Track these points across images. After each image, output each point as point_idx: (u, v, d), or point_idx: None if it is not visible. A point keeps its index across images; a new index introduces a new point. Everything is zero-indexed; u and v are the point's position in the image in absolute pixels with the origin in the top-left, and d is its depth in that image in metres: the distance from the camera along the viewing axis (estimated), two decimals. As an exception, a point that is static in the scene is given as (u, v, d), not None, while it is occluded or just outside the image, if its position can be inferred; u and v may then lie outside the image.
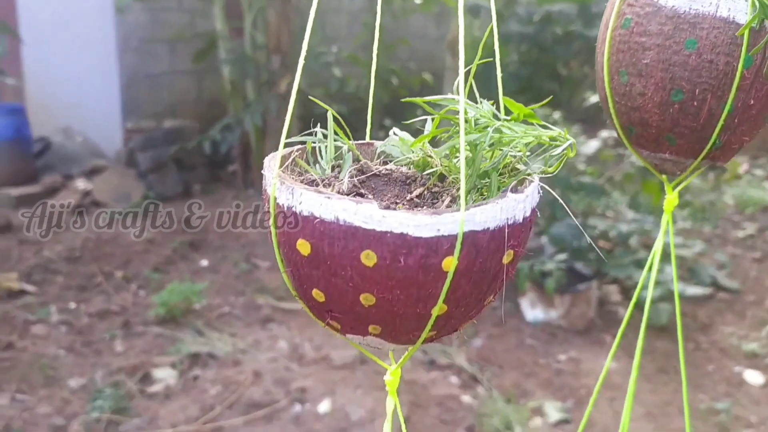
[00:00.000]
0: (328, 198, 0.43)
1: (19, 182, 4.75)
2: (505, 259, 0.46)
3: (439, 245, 0.43)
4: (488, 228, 0.44)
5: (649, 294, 0.82)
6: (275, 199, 0.46)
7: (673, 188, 0.83)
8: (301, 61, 0.50)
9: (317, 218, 0.44)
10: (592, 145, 3.90)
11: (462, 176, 0.42)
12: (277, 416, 2.67)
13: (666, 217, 0.81)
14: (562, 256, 3.55)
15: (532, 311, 3.50)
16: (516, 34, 4.92)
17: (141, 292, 3.58)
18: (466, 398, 2.86)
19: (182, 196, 4.99)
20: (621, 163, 4.22)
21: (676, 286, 0.88)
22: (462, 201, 0.42)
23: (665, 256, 3.76)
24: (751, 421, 2.85)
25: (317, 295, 0.47)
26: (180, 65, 5.40)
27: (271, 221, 0.47)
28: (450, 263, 0.43)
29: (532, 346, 3.28)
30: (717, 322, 3.56)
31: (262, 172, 0.49)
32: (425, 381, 2.92)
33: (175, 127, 5.15)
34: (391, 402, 0.54)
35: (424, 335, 0.47)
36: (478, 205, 0.43)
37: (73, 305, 3.42)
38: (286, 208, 0.45)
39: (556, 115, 4.16)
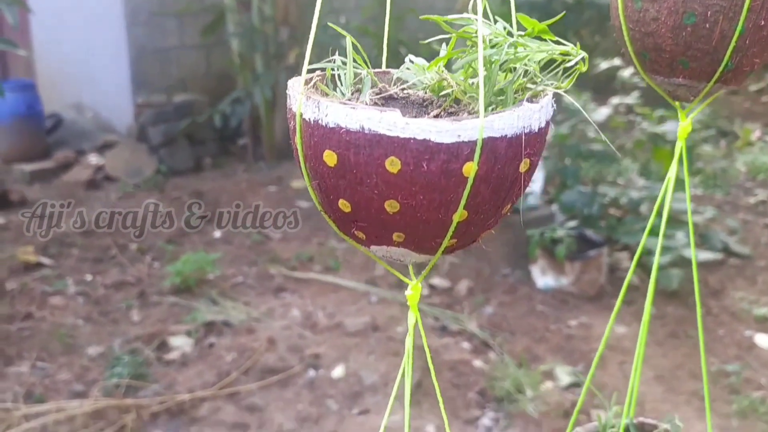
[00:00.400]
0: (353, 108, 0.45)
1: (32, 158, 4.79)
2: (522, 168, 0.48)
3: (460, 151, 0.45)
4: (506, 135, 0.46)
5: (662, 228, 0.83)
6: (301, 115, 0.48)
7: (687, 115, 0.84)
8: (313, 30, 0.51)
9: (343, 128, 0.46)
10: (602, 113, 3.88)
11: (480, 82, 0.44)
12: (292, 381, 2.72)
13: (680, 144, 0.82)
14: (573, 223, 3.56)
15: (543, 278, 3.52)
16: (526, 3, 4.89)
17: (155, 264, 3.63)
18: (477, 363, 2.90)
19: (194, 170, 5.02)
20: (632, 130, 4.21)
21: (690, 219, 0.89)
22: (481, 107, 0.44)
23: (678, 224, 3.77)
24: (761, 383, 2.88)
25: (343, 205, 0.48)
26: (188, 39, 5.40)
27: (297, 137, 0.49)
28: (470, 168, 0.45)
29: (543, 313, 3.31)
30: (728, 288, 3.57)
31: (287, 92, 0.50)
32: (437, 346, 2.96)
33: (185, 102, 5.16)
34: (413, 316, 0.56)
35: (445, 242, 0.49)
36: (497, 113, 0.45)
37: (89, 277, 3.48)
38: (312, 122, 0.47)
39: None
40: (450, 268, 3.68)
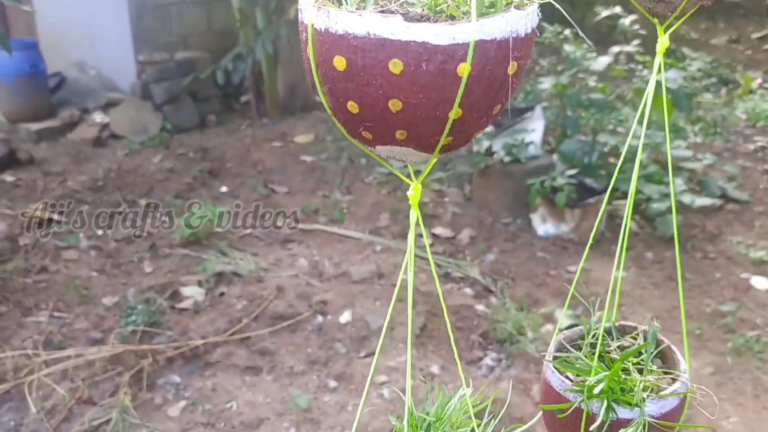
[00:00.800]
0: (360, 15, 0.51)
1: (37, 117, 4.83)
2: (510, 70, 0.54)
3: (455, 52, 0.52)
4: (495, 38, 0.53)
5: (639, 152, 0.89)
6: (312, 25, 0.54)
7: (665, 31, 0.89)
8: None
9: (351, 35, 0.52)
10: (602, 61, 3.90)
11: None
12: (301, 327, 2.81)
13: (659, 59, 0.87)
14: (572, 172, 3.62)
15: (543, 226, 3.59)
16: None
17: (164, 218, 3.71)
18: (480, 307, 2.99)
19: (198, 127, 5.06)
20: (632, 79, 4.22)
21: (669, 144, 0.94)
22: (473, 10, 0.50)
23: (676, 171, 3.81)
24: (756, 323, 2.96)
25: (352, 107, 0.55)
26: (188, -5, 5.39)
27: (309, 46, 0.55)
28: (464, 69, 0.52)
29: (543, 259, 3.39)
30: (725, 232, 3.64)
31: (298, 7, 0.56)
32: (443, 298, 3.04)
33: (187, 59, 5.18)
34: (414, 215, 0.63)
35: (442, 140, 0.55)
36: (487, 17, 0.52)
37: (100, 232, 3.56)
38: (323, 31, 0.53)
39: (567, 32, 4.15)
40: (452, 218, 3.75)
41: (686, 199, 3.57)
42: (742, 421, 2.40)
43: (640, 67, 4.17)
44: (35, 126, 4.75)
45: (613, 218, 3.67)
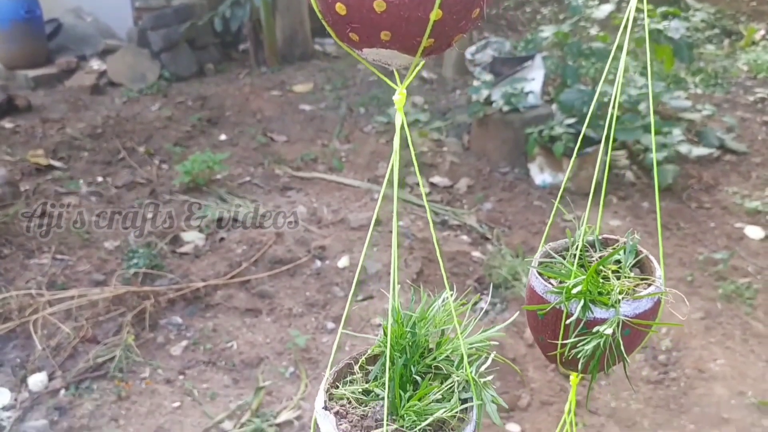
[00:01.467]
0: None
1: (34, 64, 4.80)
2: None
3: None
4: None
5: (617, 86, 0.90)
6: None
7: None
8: None
9: None
10: (604, 10, 3.87)
11: None
12: (300, 271, 2.86)
13: None
14: (571, 121, 3.62)
15: (541, 175, 3.61)
16: None
17: (164, 166, 3.72)
18: (476, 254, 3.03)
19: (196, 76, 5.04)
20: (634, 27, 4.18)
21: (646, 73, 0.96)
22: None
23: (675, 121, 3.81)
24: (748, 270, 3.01)
25: (340, 8, 0.57)
26: (185, -60, 5.29)
27: None
28: None
29: (540, 207, 3.42)
30: (722, 183, 3.66)
31: None
32: (437, 239, 3.08)
33: (185, 5, 5.12)
34: (399, 117, 0.65)
35: (424, 41, 0.58)
36: None
37: (100, 178, 3.58)
38: None
39: (569, -20, 4.09)
40: (450, 167, 3.77)
41: (684, 149, 3.58)
42: (729, 363, 2.46)
43: (642, 15, 4.12)
44: (32, 73, 4.73)
45: (610, 168, 3.69)
